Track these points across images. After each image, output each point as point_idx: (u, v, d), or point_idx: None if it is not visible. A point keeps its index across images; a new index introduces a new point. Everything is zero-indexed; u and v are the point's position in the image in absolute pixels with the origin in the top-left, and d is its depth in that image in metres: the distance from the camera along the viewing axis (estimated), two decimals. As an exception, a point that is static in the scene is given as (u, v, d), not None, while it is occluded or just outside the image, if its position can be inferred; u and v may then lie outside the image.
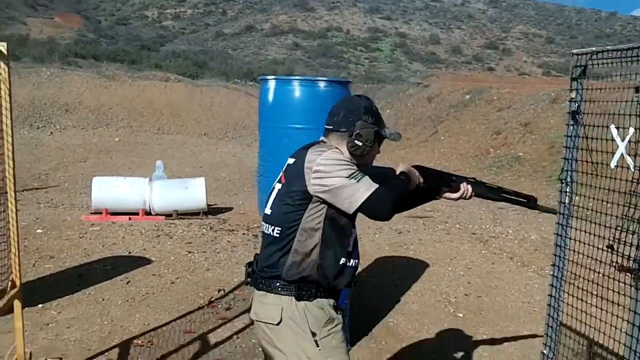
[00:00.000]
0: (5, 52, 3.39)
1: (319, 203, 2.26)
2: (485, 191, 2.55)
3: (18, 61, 26.48)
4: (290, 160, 2.40)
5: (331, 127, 2.40)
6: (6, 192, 3.47)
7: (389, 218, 2.18)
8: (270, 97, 4.19)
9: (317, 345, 2.24)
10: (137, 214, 8.36)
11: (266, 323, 2.31)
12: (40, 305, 4.92)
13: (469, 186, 2.52)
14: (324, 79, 4.21)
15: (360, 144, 2.31)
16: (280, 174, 2.43)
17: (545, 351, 2.70)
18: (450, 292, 5.71)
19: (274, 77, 4.28)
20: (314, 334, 2.25)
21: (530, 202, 2.52)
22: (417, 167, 2.48)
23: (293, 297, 2.28)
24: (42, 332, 4.41)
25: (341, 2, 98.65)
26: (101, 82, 22.94)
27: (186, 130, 21.63)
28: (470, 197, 2.54)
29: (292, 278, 2.27)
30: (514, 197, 2.55)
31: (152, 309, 5.00)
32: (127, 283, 5.61)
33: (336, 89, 4.17)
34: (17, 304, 3.49)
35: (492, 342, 4.57)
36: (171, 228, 7.91)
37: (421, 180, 2.44)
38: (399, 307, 5.26)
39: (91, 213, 8.28)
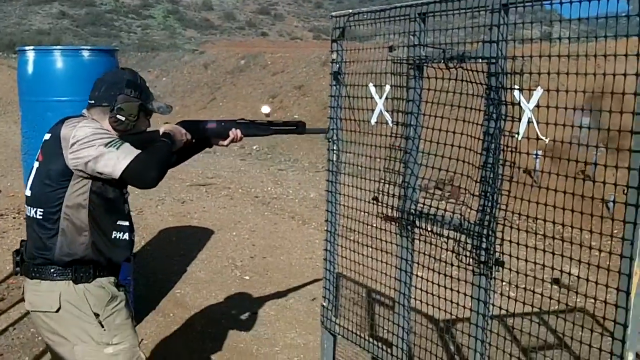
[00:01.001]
0: None
1: (82, 178, 2.14)
2: (255, 130, 2.59)
3: None
4: (47, 136, 2.26)
5: (93, 101, 2.29)
6: None
7: (155, 184, 2.13)
8: (30, 69, 3.83)
9: (102, 326, 2.20)
10: None
11: (44, 312, 2.19)
12: None
13: (238, 130, 2.55)
14: (88, 47, 3.89)
15: (123, 118, 2.24)
16: (39, 151, 2.27)
17: (324, 304, 2.83)
18: (236, 257, 5.77)
19: (32, 47, 3.85)
20: (97, 315, 2.18)
21: (299, 128, 2.66)
22: (182, 122, 2.48)
23: (70, 281, 2.18)
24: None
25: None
26: None
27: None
28: (241, 139, 2.58)
29: (66, 260, 2.16)
30: (284, 127, 2.67)
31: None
32: None
33: (102, 58, 3.89)
34: None
35: (279, 300, 4.72)
36: None
37: (188, 136, 2.44)
38: (186, 277, 5.18)
39: None
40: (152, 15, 72.47)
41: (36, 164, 2.24)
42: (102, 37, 49.89)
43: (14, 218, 6.96)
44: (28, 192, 2.25)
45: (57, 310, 2.16)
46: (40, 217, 2.17)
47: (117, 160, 2.06)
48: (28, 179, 2.27)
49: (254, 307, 4.57)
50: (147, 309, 4.41)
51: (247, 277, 5.24)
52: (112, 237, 2.23)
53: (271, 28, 73.18)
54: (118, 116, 2.22)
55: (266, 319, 4.38)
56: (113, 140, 2.11)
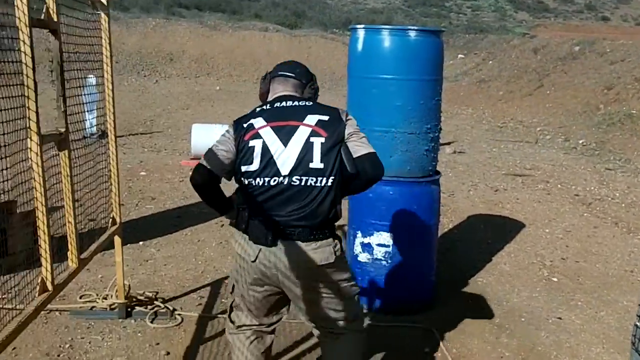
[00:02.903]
0: (105, 2, 3.49)
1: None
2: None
3: (126, 12, 27.61)
4: (325, 118, 2.53)
5: (293, 75, 2.69)
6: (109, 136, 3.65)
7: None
8: (360, 46, 4.08)
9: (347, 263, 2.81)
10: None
11: (325, 265, 2.50)
12: (141, 243, 5.22)
13: None
14: (415, 27, 4.04)
15: (313, 92, 2.75)
16: (313, 129, 2.51)
17: (638, 323, 2.51)
18: (545, 255, 5.48)
19: (363, 26, 4.14)
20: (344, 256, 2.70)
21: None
22: None
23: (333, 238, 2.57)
24: (141, 267, 4.68)
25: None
26: (203, 32, 23.49)
27: (284, 80, 21.83)
28: None
29: (333, 222, 2.58)
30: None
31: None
32: (222, 226, 5.79)
33: (427, 38, 3.99)
34: (117, 240, 3.71)
35: (588, 310, 4.36)
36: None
37: None
38: (490, 267, 5.11)
39: (191, 159, 8.54)
40: (483, -4, 71.88)
41: (320, 140, 2.46)
42: (432, 17, 51.34)
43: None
44: (318, 165, 2.45)
45: (334, 261, 2.51)
46: (331, 184, 2.46)
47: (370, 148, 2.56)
48: (306, 155, 2.46)
49: (559, 312, 4.30)
50: (446, 292, 4.48)
51: (555, 279, 4.94)
52: None
53: (614, 12, 66.31)
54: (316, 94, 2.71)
55: (571, 327, 4.09)
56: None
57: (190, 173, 2.56)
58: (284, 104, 2.58)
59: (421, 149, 4.05)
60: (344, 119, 2.54)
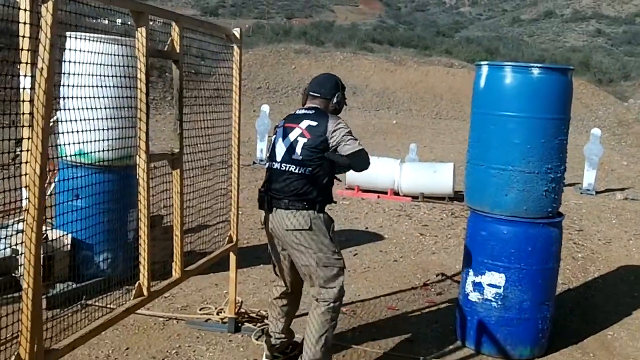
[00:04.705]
0: (238, 36, 3.90)
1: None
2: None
3: (321, 46, 29.30)
4: (313, 123, 3.35)
5: (319, 94, 3.49)
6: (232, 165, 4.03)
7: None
8: (482, 82, 4.04)
9: (332, 240, 3.42)
10: (386, 193, 8.75)
11: (300, 230, 3.32)
12: (272, 264, 5.55)
13: None
14: (539, 65, 3.90)
15: (338, 106, 3.55)
16: (300, 130, 3.37)
17: None
18: (700, 317, 4.82)
19: (487, 62, 4.10)
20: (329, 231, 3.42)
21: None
22: None
23: (315, 210, 3.35)
24: (266, 287, 4.98)
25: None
26: (388, 67, 24.10)
27: (463, 116, 21.45)
28: None
29: (314, 198, 3.36)
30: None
31: (368, 282, 5.27)
32: (355, 255, 5.97)
33: (552, 76, 3.85)
34: (232, 257, 4.04)
35: None
36: (413, 210, 8.11)
37: None
38: (626, 320, 4.66)
39: (345, 188, 8.90)
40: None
41: (303, 140, 3.31)
42: (636, 56, 47.02)
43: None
44: (296, 156, 3.30)
45: (309, 228, 3.28)
46: (307, 173, 3.28)
47: (356, 147, 3.30)
48: (291, 148, 3.34)
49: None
50: (567, 341, 4.18)
51: None
52: (330, 186, 3.45)
53: None
54: (337, 106, 3.50)
55: None
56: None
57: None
58: (298, 112, 3.48)
59: (540, 189, 3.88)
60: (330, 127, 3.30)
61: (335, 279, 3.36)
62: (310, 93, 3.50)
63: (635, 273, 5.81)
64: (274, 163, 3.40)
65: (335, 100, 3.47)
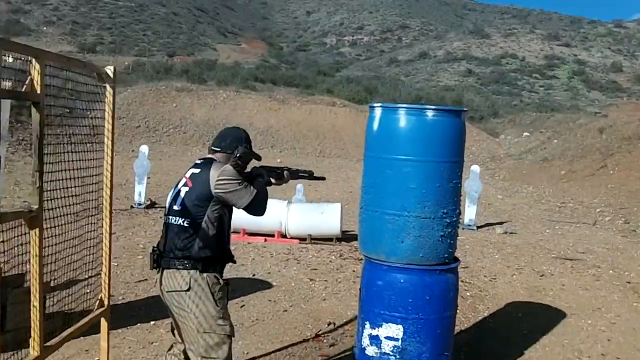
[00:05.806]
0: (111, 75, 3.50)
1: (218, 202, 3.08)
2: (294, 176, 3.55)
3: (204, 84, 28.86)
4: (196, 170, 3.18)
5: (219, 148, 3.26)
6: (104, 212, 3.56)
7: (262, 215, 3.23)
8: (376, 125, 3.90)
9: (217, 304, 3.09)
10: (273, 235, 8.45)
11: (178, 291, 3.05)
12: (152, 323, 5.01)
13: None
14: (433, 107, 3.81)
15: (241, 162, 3.17)
16: (186, 180, 3.19)
17: None
18: (584, 350, 4.92)
19: (380, 104, 3.96)
20: (213, 295, 3.09)
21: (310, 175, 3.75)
22: (262, 167, 3.37)
23: (198, 270, 3.07)
24: (143, 350, 4.47)
25: (518, 29, 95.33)
26: (271, 105, 24.14)
27: (346, 154, 21.89)
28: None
29: (200, 256, 3.07)
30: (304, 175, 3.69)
31: (257, 337, 4.90)
32: (242, 307, 5.59)
33: (446, 118, 3.77)
34: (103, 323, 3.53)
35: None
36: (302, 252, 7.86)
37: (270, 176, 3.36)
38: (520, 362, 4.63)
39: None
40: (556, 75, 71.38)
41: (185, 189, 3.11)
42: (503, 95, 51.18)
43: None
44: (177, 207, 3.10)
45: (188, 290, 3.00)
46: (187, 225, 3.04)
47: (246, 196, 3.06)
48: (175, 199, 3.16)
49: None
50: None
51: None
52: (225, 243, 3.19)
53: (696, 93, 63.56)
54: (238, 161, 3.15)
55: None
56: (243, 181, 3.08)
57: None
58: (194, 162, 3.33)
59: (436, 234, 3.76)
60: (213, 174, 3.06)
61: (218, 348, 3.03)
62: (212, 147, 3.30)
63: (522, 310, 5.89)
64: (163, 216, 3.24)
65: (237, 154, 3.17)
